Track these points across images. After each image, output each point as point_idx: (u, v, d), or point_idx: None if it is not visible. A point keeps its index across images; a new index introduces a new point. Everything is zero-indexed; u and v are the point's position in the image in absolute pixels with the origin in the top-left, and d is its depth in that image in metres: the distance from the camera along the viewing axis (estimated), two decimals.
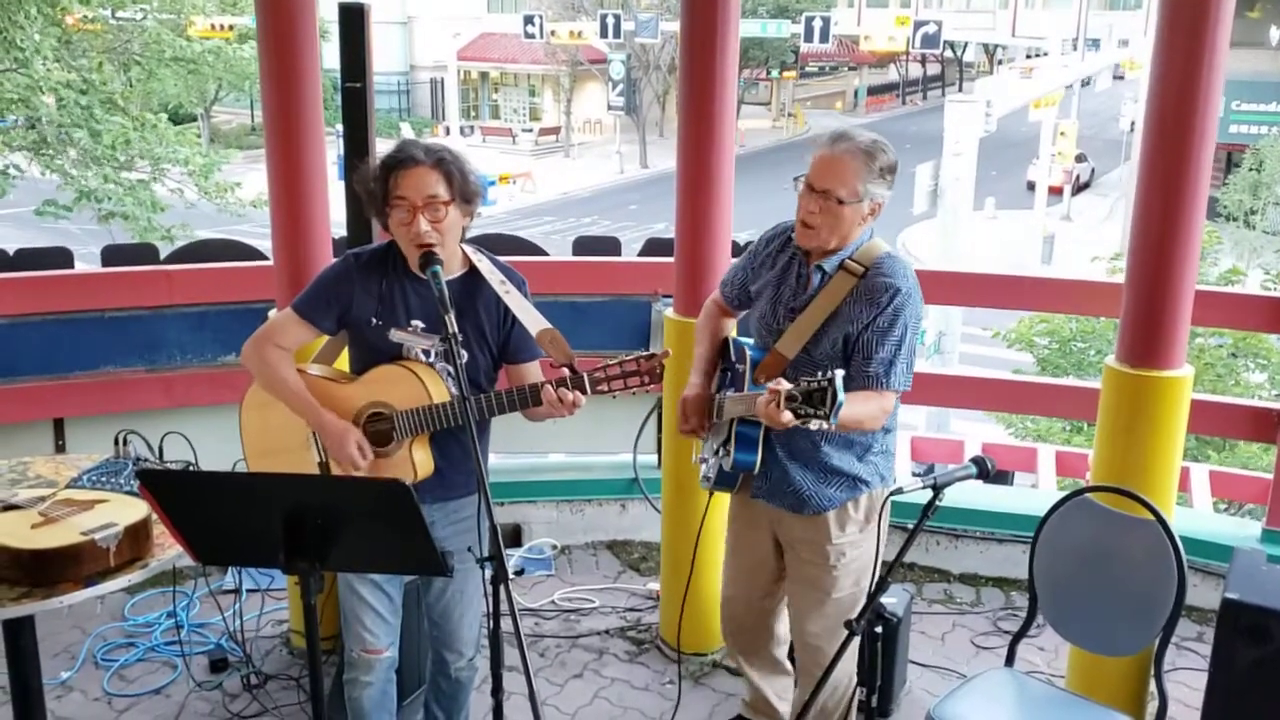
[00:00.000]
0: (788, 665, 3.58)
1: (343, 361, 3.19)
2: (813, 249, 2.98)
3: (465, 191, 2.87)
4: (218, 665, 4.09)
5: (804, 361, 2.96)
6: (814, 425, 2.53)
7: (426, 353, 2.93)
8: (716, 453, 3.17)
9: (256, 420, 3.11)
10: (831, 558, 3.11)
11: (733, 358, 3.19)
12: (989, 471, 2.71)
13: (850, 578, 3.15)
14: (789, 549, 3.22)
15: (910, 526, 2.69)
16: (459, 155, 2.89)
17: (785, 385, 2.55)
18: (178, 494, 2.46)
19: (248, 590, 4.51)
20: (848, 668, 3.16)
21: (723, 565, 3.51)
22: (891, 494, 2.71)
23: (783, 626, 3.49)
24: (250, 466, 3.14)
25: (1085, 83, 33.74)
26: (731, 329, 3.38)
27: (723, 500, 3.48)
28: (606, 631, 4.43)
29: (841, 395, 2.47)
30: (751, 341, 3.18)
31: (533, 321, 2.92)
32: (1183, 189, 3.37)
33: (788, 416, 2.54)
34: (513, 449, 5.06)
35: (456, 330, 2.73)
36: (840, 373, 2.49)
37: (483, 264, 2.98)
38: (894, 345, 2.89)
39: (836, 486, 3.07)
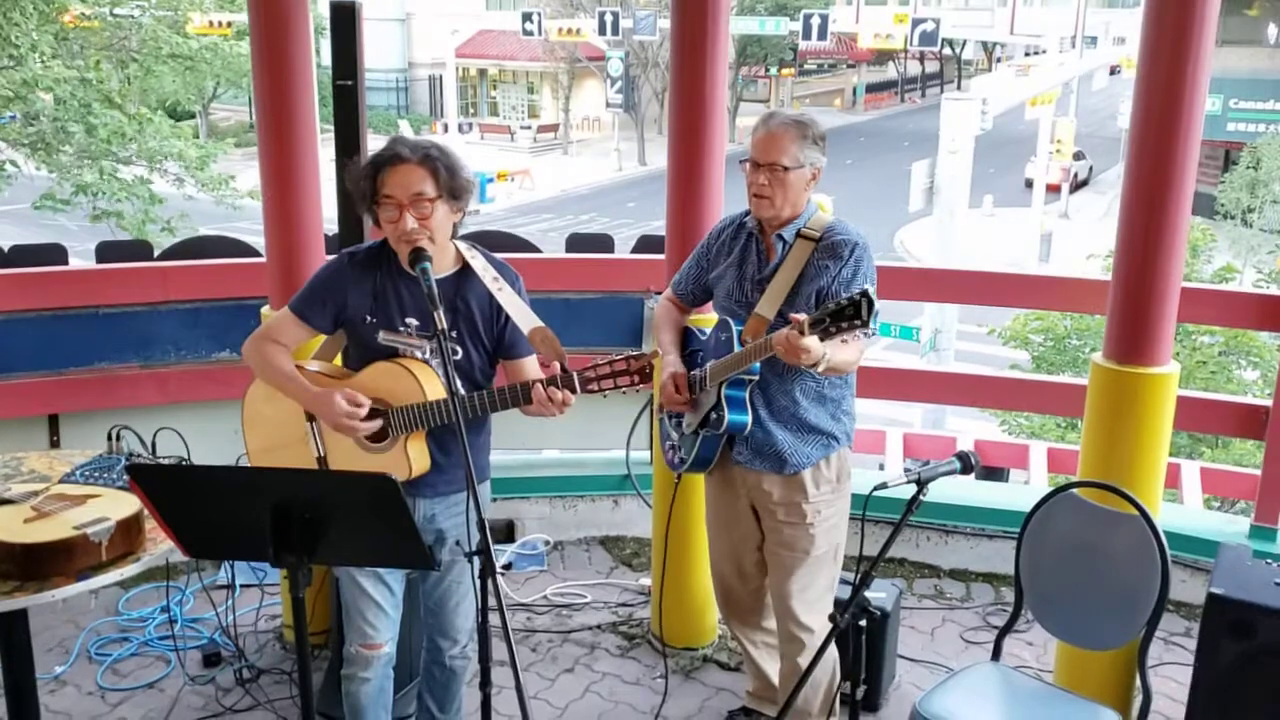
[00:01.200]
0: None
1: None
2: (769, 218, 3.20)
3: (453, 188, 2.88)
4: (211, 660, 4.11)
5: (783, 321, 3.09)
6: (854, 337, 2.82)
7: (422, 353, 2.96)
8: (695, 430, 3.30)
9: (258, 416, 3.14)
10: (809, 516, 3.28)
11: (701, 338, 3.37)
12: (973, 466, 2.74)
13: (825, 535, 3.32)
14: (766, 514, 3.35)
15: (896, 521, 2.72)
16: (447, 152, 2.90)
17: (803, 315, 2.78)
18: (167, 488, 2.48)
19: (241, 585, 4.53)
20: (829, 656, 3.27)
21: (708, 543, 3.61)
22: (876, 489, 2.73)
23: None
24: (252, 461, 3.17)
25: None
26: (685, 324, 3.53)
27: (698, 489, 3.63)
28: (598, 626, 4.46)
29: (877, 304, 2.70)
30: (706, 330, 3.35)
31: (524, 319, 2.94)
32: (1168, 187, 3.39)
33: (813, 341, 2.77)
34: (506, 445, 5.08)
35: (445, 327, 2.75)
36: (870, 286, 2.72)
37: (476, 261, 2.99)
38: None
39: (813, 444, 3.26)
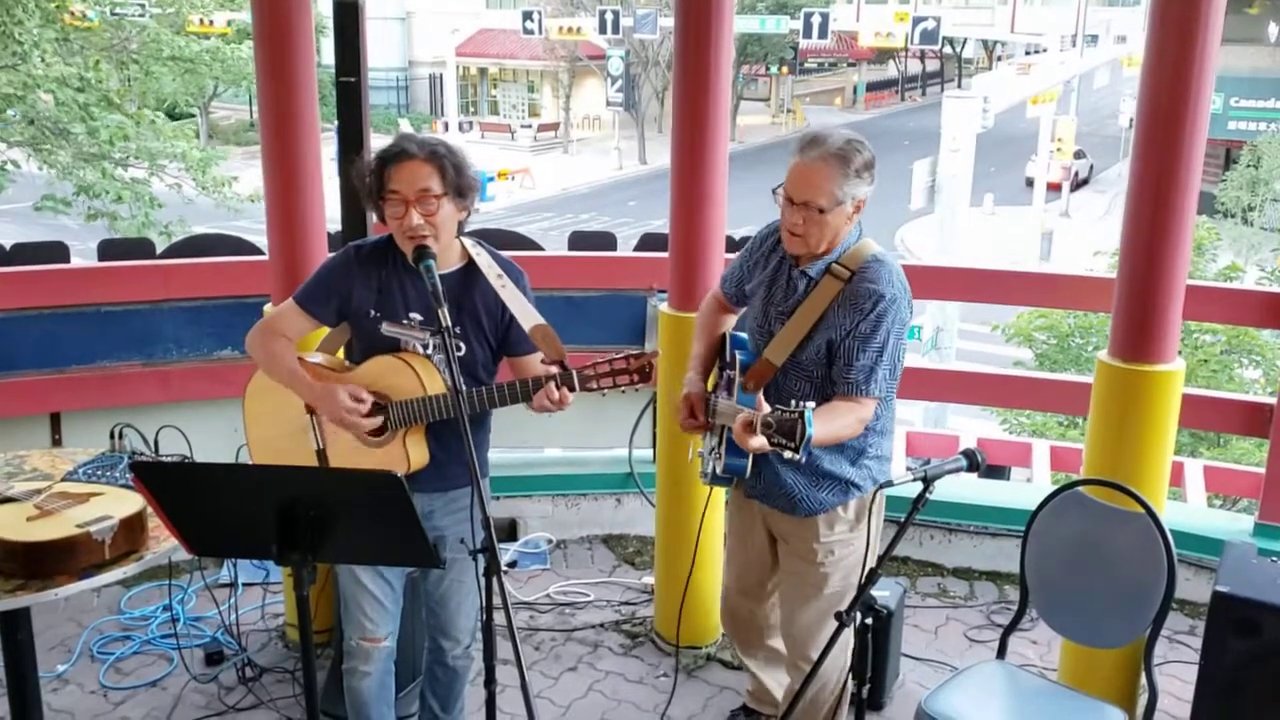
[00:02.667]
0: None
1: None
2: (801, 255, 2.97)
3: (459, 185, 2.88)
4: (213, 658, 4.10)
5: (791, 367, 2.99)
6: (786, 455, 2.54)
7: (424, 345, 2.95)
8: (712, 451, 3.17)
9: (258, 408, 3.14)
10: (820, 555, 3.14)
11: (728, 358, 3.19)
12: (979, 464, 2.72)
13: (839, 574, 3.17)
14: (781, 541, 3.26)
15: (902, 520, 2.71)
16: (454, 149, 2.90)
17: (764, 409, 2.57)
18: (171, 485, 2.48)
19: (243, 584, 4.52)
20: (838, 661, 3.19)
21: (724, 557, 3.55)
22: (881, 487, 2.72)
23: (777, 618, 3.52)
24: (252, 452, 3.17)
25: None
26: (731, 324, 3.38)
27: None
28: (601, 625, 4.45)
29: (810, 429, 2.48)
30: (744, 338, 3.20)
31: (526, 316, 2.93)
32: (1174, 184, 3.38)
33: (758, 442, 2.56)
34: (509, 444, 5.07)
35: (450, 323, 2.74)
36: (811, 405, 2.51)
37: (481, 257, 2.99)
38: (875, 352, 2.88)
39: (828, 490, 3.08)
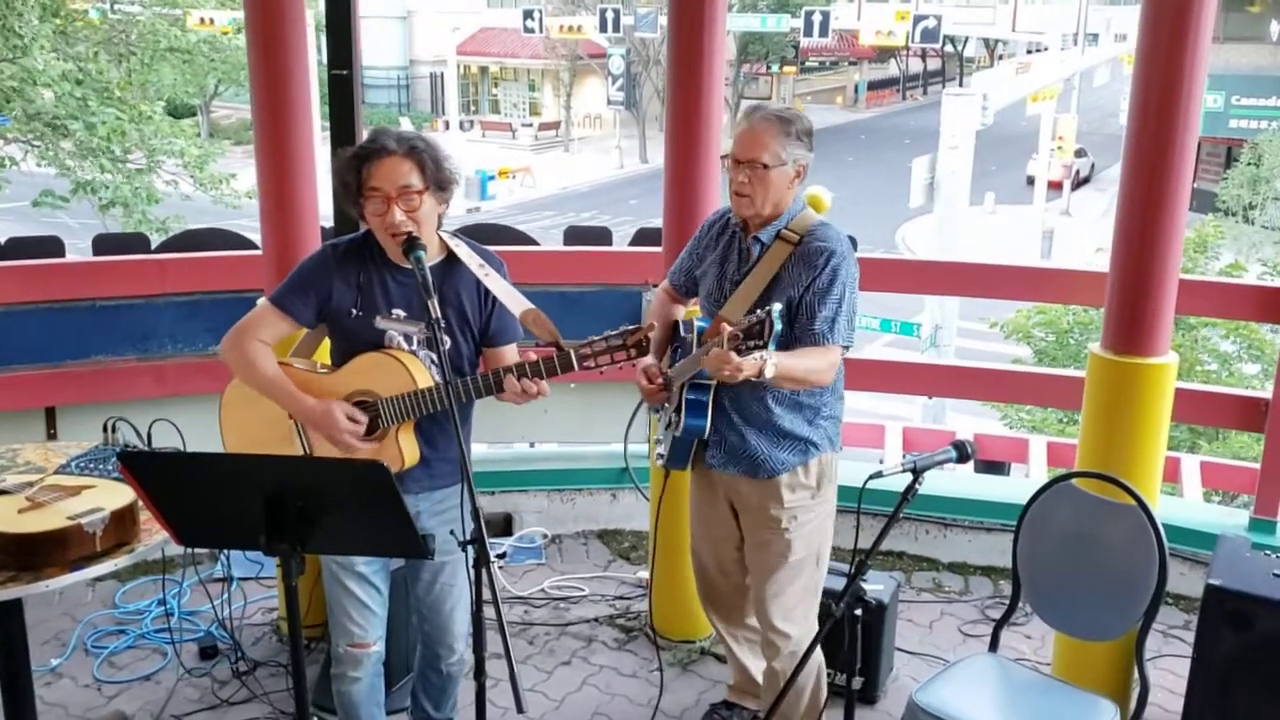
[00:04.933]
0: None
1: (323, 354, 3.19)
2: (749, 217, 3.11)
3: (439, 179, 2.87)
4: (207, 652, 4.11)
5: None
6: (757, 361, 2.71)
7: (409, 339, 2.94)
8: (668, 426, 3.26)
9: (237, 416, 3.12)
10: (784, 521, 3.22)
11: (681, 333, 3.31)
12: (969, 455, 2.72)
13: (803, 542, 3.25)
14: (744, 514, 3.32)
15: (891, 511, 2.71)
16: (432, 143, 2.89)
17: (729, 327, 2.70)
18: (158, 476, 2.47)
19: (238, 579, 4.52)
20: (813, 662, 3.27)
21: (691, 538, 3.58)
22: (872, 477, 2.72)
23: None
24: None
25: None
26: (681, 315, 3.47)
27: (685, 480, 3.56)
28: (596, 619, 4.45)
29: (779, 325, 2.66)
30: (699, 319, 3.28)
31: (514, 302, 2.92)
32: (1166, 177, 3.39)
33: (734, 356, 2.69)
34: (503, 438, 5.08)
35: (439, 316, 2.74)
36: (778, 306, 2.68)
37: (460, 249, 2.98)
38: (835, 303, 3.03)
39: (788, 450, 3.18)
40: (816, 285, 3.02)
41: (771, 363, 2.75)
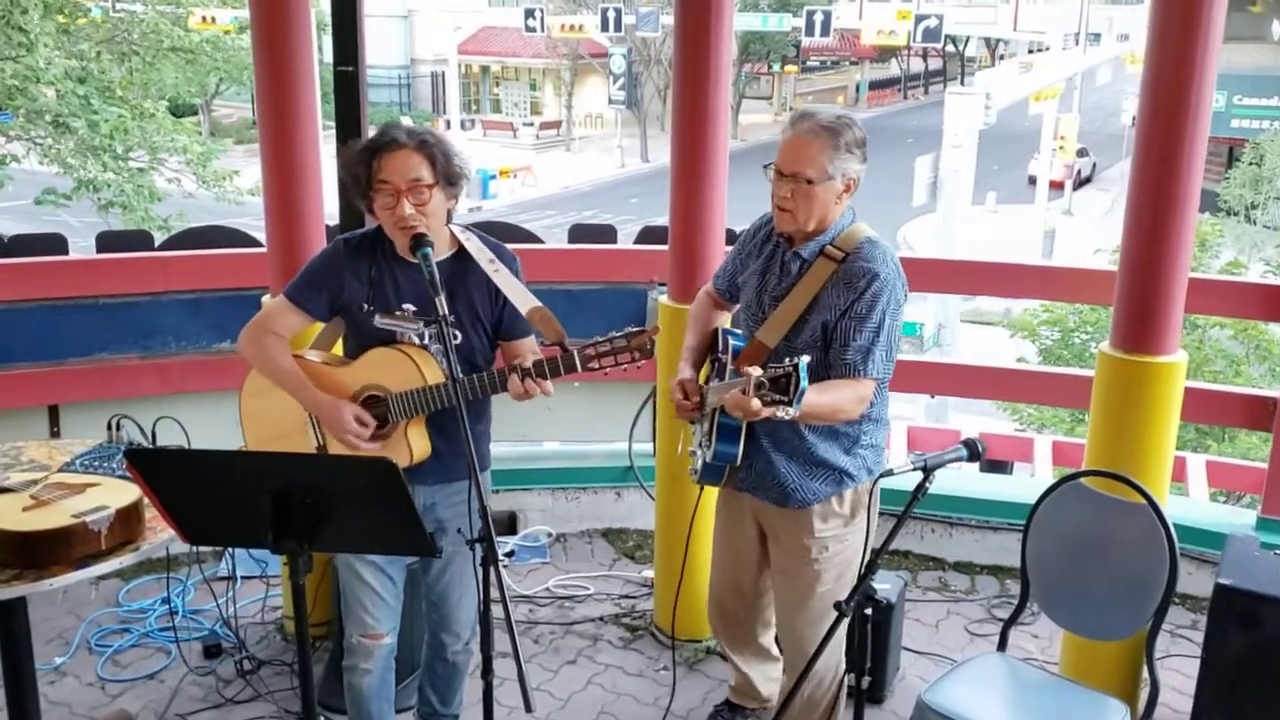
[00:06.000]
0: (775, 651, 3.57)
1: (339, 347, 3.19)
2: (792, 233, 2.94)
3: (449, 174, 2.86)
4: (211, 651, 4.09)
5: (785, 350, 2.91)
6: (780, 413, 2.50)
7: (420, 335, 2.93)
8: (701, 444, 3.13)
9: (256, 408, 3.11)
10: (814, 551, 3.08)
11: (719, 349, 3.16)
12: (979, 453, 2.70)
13: (834, 572, 3.11)
14: (773, 540, 3.19)
15: (901, 511, 2.69)
16: (442, 138, 2.88)
17: (756, 371, 2.51)
18: (165, 473, 2.46)
19: (242, 577, 4.51)
20: (834, 658, 3.17)
21: (712, 554, 3.48)
22: (882, 475, 2.70)
23: (770, 614, 3.47)
24: None
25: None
26: (724, 321, 3.35)
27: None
28: (601, 618, 4.43)
29: (804, 382, 2.45)
30: (739, 332, 3.15)
31: (522, 300, 2.91)
32: (1176, 175, 3.37)
33: (756, 404, 2.50)
34: (508, 437, 5.06)
35: (447, 312, 2.73)
36: (805, 359, 2.47)
37: (471, 243, 2.97)
38: (872, 332, 2.85)
39: (821, 480, 3.02)
40: (855, 310, 2.83)
41: (792, 412, 2.52)
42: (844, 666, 3.24)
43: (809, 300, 2.89)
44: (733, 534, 3.31)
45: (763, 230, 3.12)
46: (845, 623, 2.71)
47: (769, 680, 3.58)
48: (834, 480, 3.03)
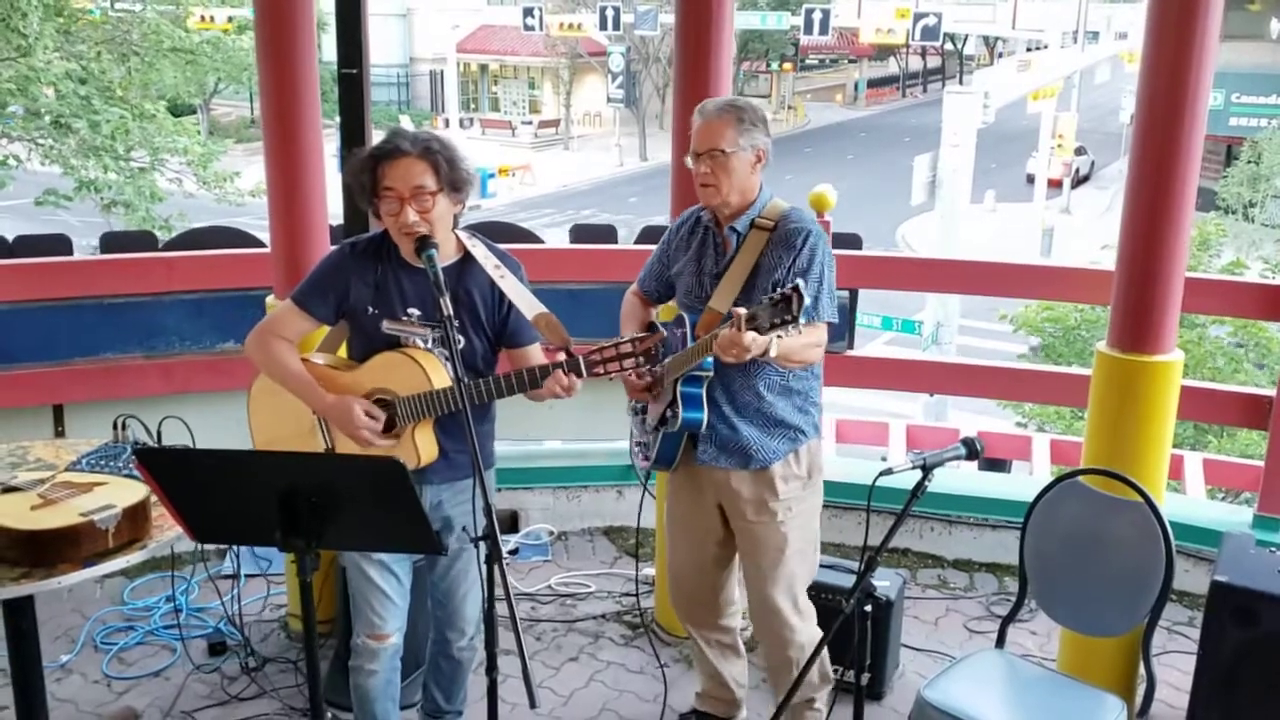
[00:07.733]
0: (740, 646, 3.65)
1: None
2: (717, 205, 3.14)
3: (454, 180, 2.88)
4: (216, 649, 4.12)
5: None
6: (784, 335, 2.70)
7: (424, 340, 2.96)
8: (655, 428, 3.25)
9: (264, 409, 3.14)
10: (780, 513, 3.24)
11: (664, 332, 3.25)
12: (978, 452, 2.74)
13: (798, 531, 3.28)
14: (736, 514, 3.30)
15: (900, 509, 2.72)
16: (447, 144, 2.90)
17: (742, 310, 2.71)
18: (175, 472, 2.49)
19: (246, 575, 4.54)
20: (810, 632, 3.33)
21: (667, 544, 3.58)
22: (881, 474, 2.73)
23: (732, 591, 3.57)
24: None
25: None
26: (654, 317, 3.46)
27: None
28: (602, 616, 4.47)
29: (809, 298, 2.67)
30: (680, 317, 3.26)
31: (528, 305, 2.94)
32: (1173, 174, 3.40)
33: (750, 336, 2.71)
34: (509, 436, 5.08)
35: (451, 314, 2.75)
36: (801, 281, 2.68)
37: (477, 249, 2.99)
38: (816, 281, 3.07)
39: (779, 438, 3.21)
40: (797, 265, 3.06)
41: (775, 340, 2.75)
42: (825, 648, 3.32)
43: (751, 266, 3.12)
44: (694, 513, 3.41)
45: (686, 224, 3.34)
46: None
47: (738, 683, 3.63)
48: (789, 438, 3.22)
